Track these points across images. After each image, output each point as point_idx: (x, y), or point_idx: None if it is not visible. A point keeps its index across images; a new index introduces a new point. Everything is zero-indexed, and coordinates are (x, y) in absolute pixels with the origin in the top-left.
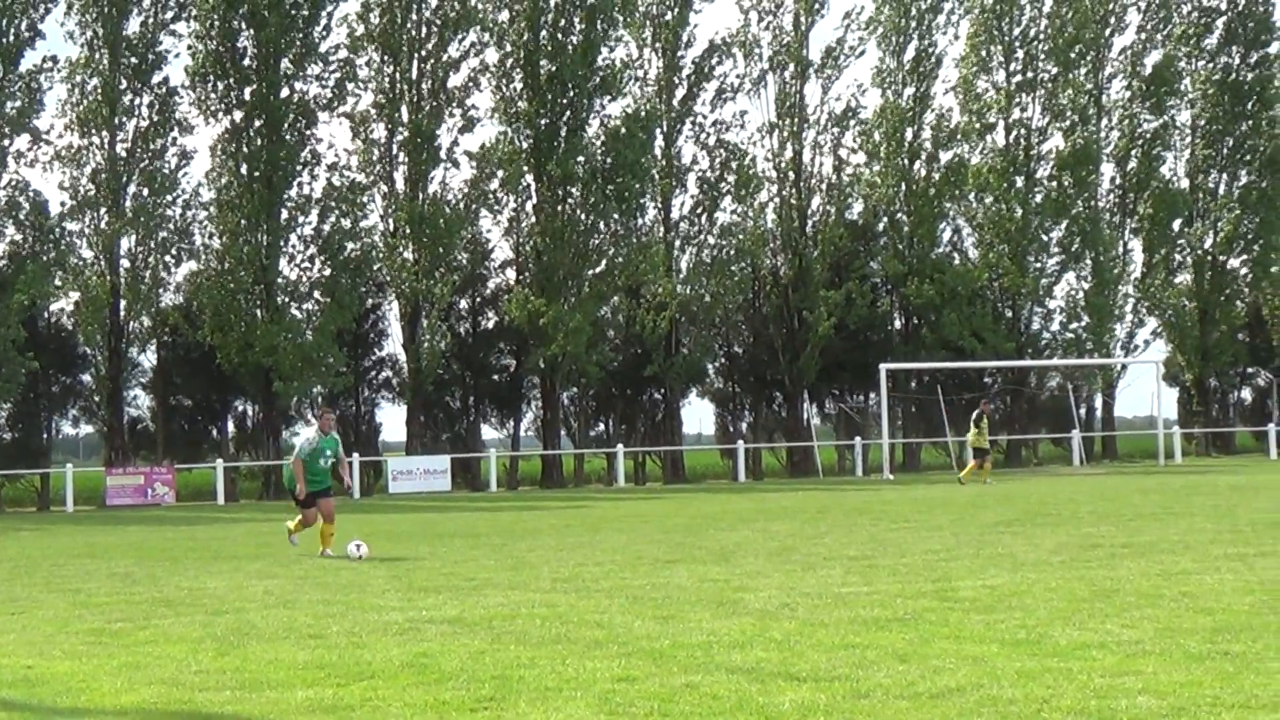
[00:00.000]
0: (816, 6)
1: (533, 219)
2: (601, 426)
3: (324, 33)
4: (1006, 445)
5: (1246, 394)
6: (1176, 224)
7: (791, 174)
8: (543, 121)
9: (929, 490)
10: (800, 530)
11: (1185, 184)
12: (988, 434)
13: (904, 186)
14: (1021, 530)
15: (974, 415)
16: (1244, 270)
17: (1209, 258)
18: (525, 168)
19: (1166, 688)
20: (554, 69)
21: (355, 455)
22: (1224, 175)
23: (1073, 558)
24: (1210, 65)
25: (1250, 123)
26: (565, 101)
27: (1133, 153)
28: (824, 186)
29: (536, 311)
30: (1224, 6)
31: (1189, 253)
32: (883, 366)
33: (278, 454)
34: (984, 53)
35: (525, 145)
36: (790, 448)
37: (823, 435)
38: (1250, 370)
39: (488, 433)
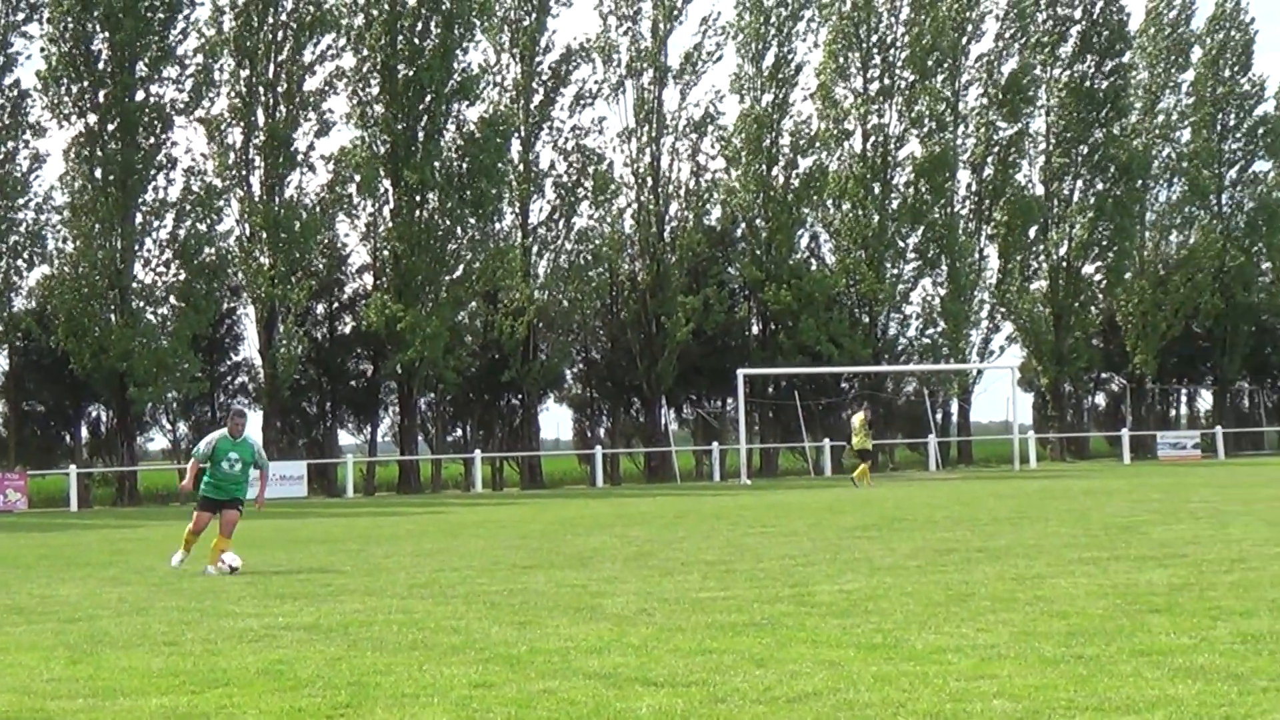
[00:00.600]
0: (675, 13)
1: (390, 224)
2: (459, 432)
3: (180, 36)
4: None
5: (1100, 399)
6: (1032, 230)
7: (650, 179)
8: (400, 126)
9: (786, 495)
10: (658, 535)
11: (1040, 191)
12: (864, 436)
13: (762, 192)
14: (878, 535)
15: (857, 418)
16: (1098, 276)
17: (1064, 264)
18: (382, 172)
19: (1021, 691)
20: (411, 73)
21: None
22: (1079, 182)
23: (928, 562)
24: (1065, 73)
25: (1104, 130)
26: (422, 106)
27: (989, 159)
28: (682, 192)
29: (394, 317)
30: (1079, 16)
31: (1044, 259)
32: (740, 372)
33: (132, 460)
34: (842, 60)
35: (382, 150)
36: (648, 453)
37: (680, 440)
38: (1104, 376)
39: (345, 438)
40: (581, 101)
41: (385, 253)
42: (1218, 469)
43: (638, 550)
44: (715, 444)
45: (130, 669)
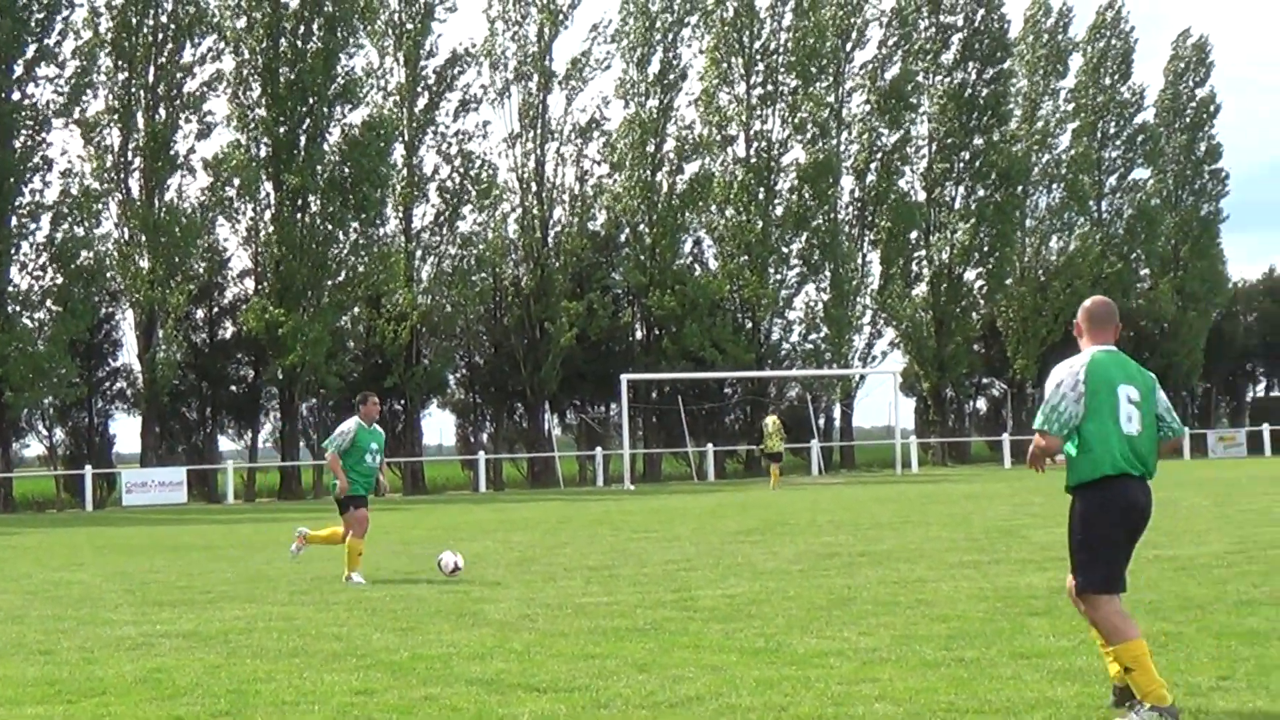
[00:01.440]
0: (561, 18)
1: (271, 228)
2: None
3: (59, 37)
4: (746, 455)
5: (982, 404)
6: (914, 236)
7: (534, 185)
8: (281, 129)
9: (669, 500)
10: (540, 541)
11: (922, 197)
12: (779, 440)
13: (647, 198)
14: (761, 540)
15: (770, 421)
16: (979, 282)
17: (945, 270)
18: (263, 176)
19: (902, 694)
20: (293, 76)
21: (88, 467)
22: (960, 188)
23: (811, 566)
24: (947, 80)
25: (985, 137)
26: (304, 109)
27: (872, 166)
28: (567, 197)
29: (275, 321)
30: (960, 23)
31: (926, 265)
32: (623, 377)
33: (8, 466)
34: (725, 66)
35: (263, 153)
36: (531, 458)
37: (563, 446)
38: (985, 381)
39: (225, 444)
40: (467, 106)
41: (266, 257)
42: None
43: (520, 556)
44: (599, 449)
45: (4, 678)
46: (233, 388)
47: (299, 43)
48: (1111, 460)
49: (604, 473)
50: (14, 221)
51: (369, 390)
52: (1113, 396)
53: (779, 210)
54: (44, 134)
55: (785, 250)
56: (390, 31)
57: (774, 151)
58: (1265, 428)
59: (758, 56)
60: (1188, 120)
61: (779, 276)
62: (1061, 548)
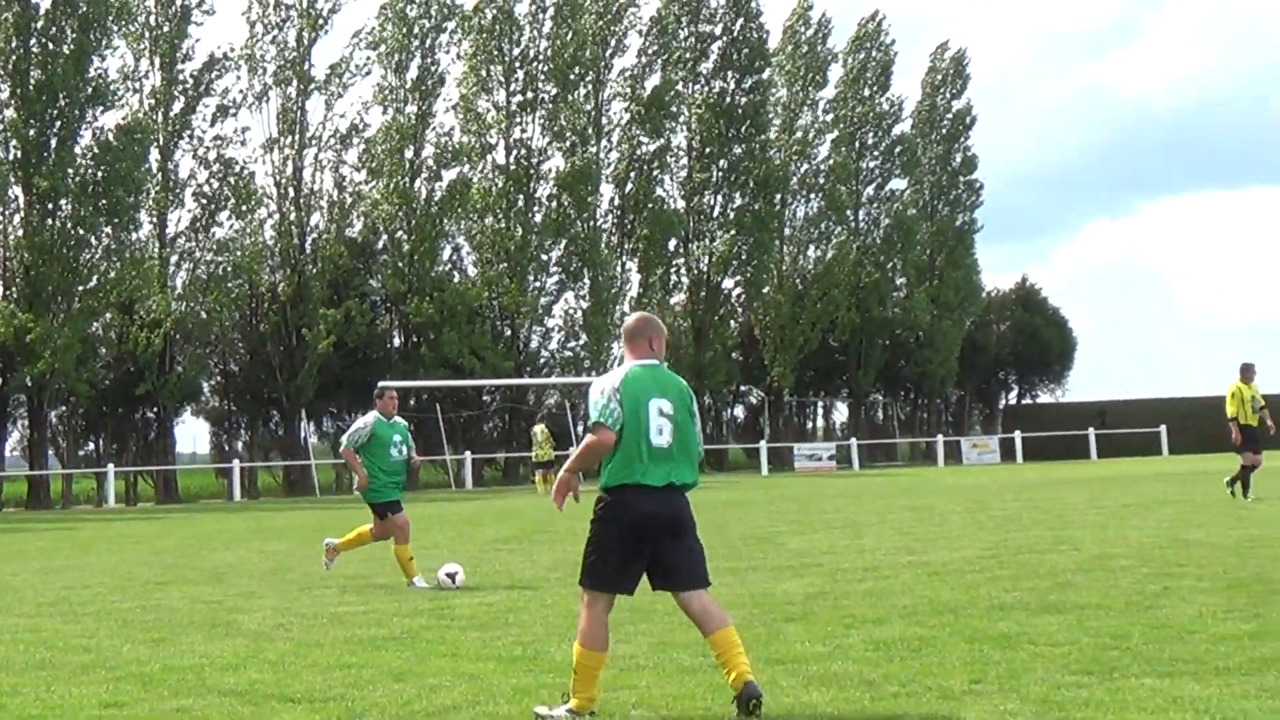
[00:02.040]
0: (321, 23)
1: (20, 232)
2: (91, 446)
3: None
4: (504, 464)
5: (740, 411)
6: (672, 244)
7: (292, 191)
8: (30, 131)
9: (427, 508)
10: (296, 550)
11: (681, 205)
12: (549, 449)
13: (405, 205)
14: (519, 547)
15: (539, 430)
16: (737, 290)
17: (704, 278)
18: (12, 179)
19: (659, 700)
20: (43, 78)
21: None
22: (719, 197)
23: (569, 574)
24: (706, 89)
25: (744, 146)
26: (55, 111)
27: (631, 174)
28: (325, 204)
29: (23, 327)
30: (720, 33)
31: (685, 273)
32: (381, 384)
33: None
34: (484, 72)
35: (12, 156)
36: (287, 466)
37: (320, 454)
38: (744, 389)
39: None
40: (225, 111)
41: (14, 262)
42: (852, 480)
43: (275, 565)
44: None
45: None
46: None
47: (50, 43)
48: (629, 471)
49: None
50: None
51: (385, 383)
52: (644, 410)
53: (538, 218)
54: None
55: (544, 258)
56: (146, 34)
57: (533, 159)
58: (1017, 434)
59: (517, 64)
60: (944, 132)
61: (538, 284)
62: (818, 554)
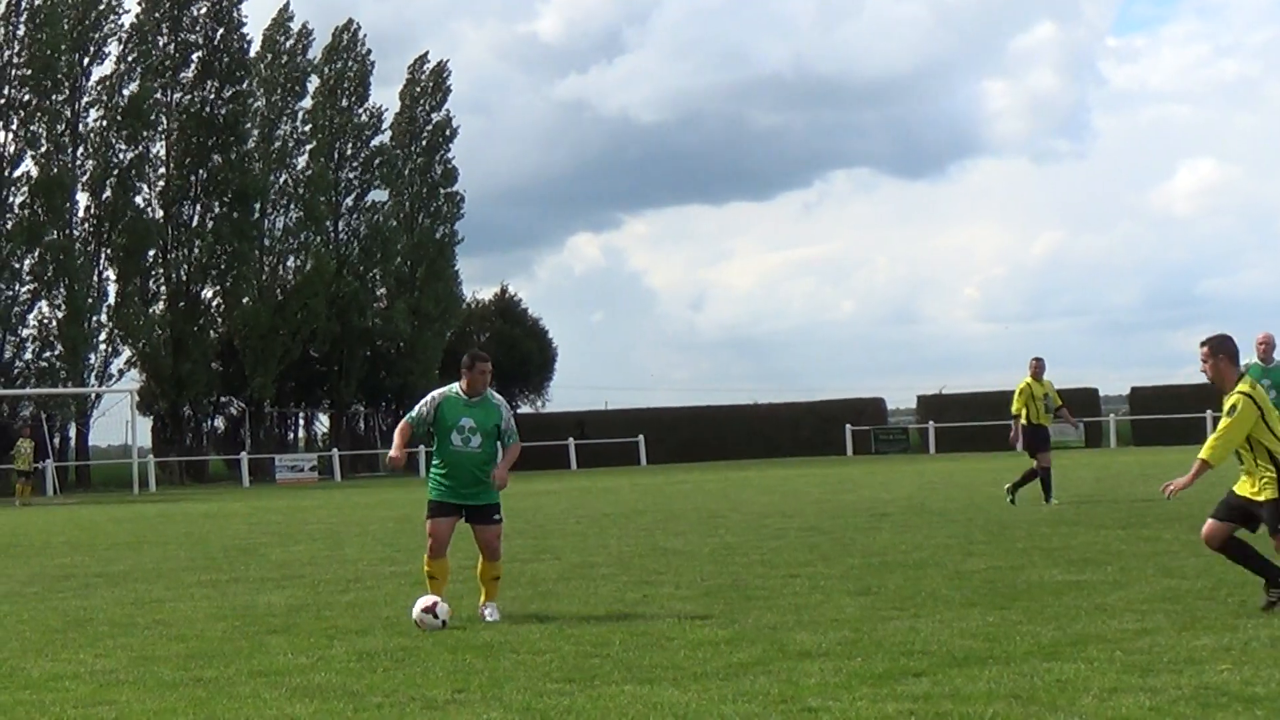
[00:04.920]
0: None
1: None
2: None
3: None
4: None
5: (220, 422)
6: (151, 254)
7: None
8: None
9: None
10: None
11: (160, 214)
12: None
13: None
14: None
15: (26, 444)
16: (216, 300)
17: (183, 288)
18: None
19: (140, 715)
20: None
21: None
22: (198, 206)
23: (46, 588)
24: (187, 98)
25: (223, 156)
26: None
27: (108, 182)
28: None
29: None
30: (201, 42)
31: (163, 282)
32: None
33: None
34: None
35: None
36: None
37: None
38: (224, 399)
39: None
40: None
41: None
42: (334, 491)
43: None
44: None
45: None
46: None
47: None
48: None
49: None
50: None
51: (479, 350)
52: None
53: (10, 225)
54: None
55: (17, 265)
56: None
57: (4, 165)
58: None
59: None
60: (425, 143)
61: (10, 293)
62: (300, 565)
